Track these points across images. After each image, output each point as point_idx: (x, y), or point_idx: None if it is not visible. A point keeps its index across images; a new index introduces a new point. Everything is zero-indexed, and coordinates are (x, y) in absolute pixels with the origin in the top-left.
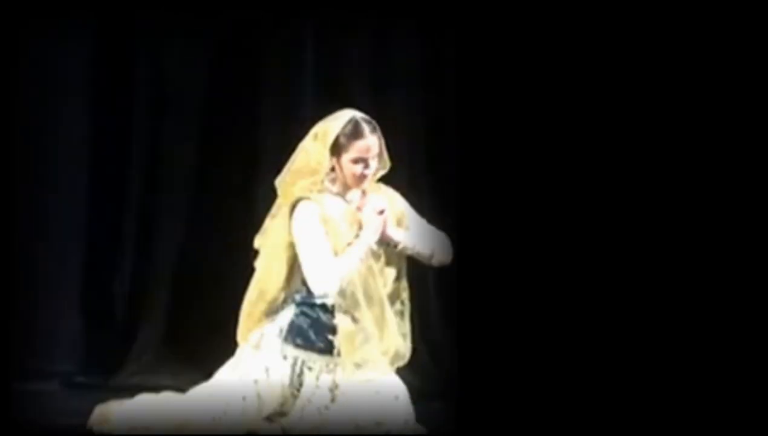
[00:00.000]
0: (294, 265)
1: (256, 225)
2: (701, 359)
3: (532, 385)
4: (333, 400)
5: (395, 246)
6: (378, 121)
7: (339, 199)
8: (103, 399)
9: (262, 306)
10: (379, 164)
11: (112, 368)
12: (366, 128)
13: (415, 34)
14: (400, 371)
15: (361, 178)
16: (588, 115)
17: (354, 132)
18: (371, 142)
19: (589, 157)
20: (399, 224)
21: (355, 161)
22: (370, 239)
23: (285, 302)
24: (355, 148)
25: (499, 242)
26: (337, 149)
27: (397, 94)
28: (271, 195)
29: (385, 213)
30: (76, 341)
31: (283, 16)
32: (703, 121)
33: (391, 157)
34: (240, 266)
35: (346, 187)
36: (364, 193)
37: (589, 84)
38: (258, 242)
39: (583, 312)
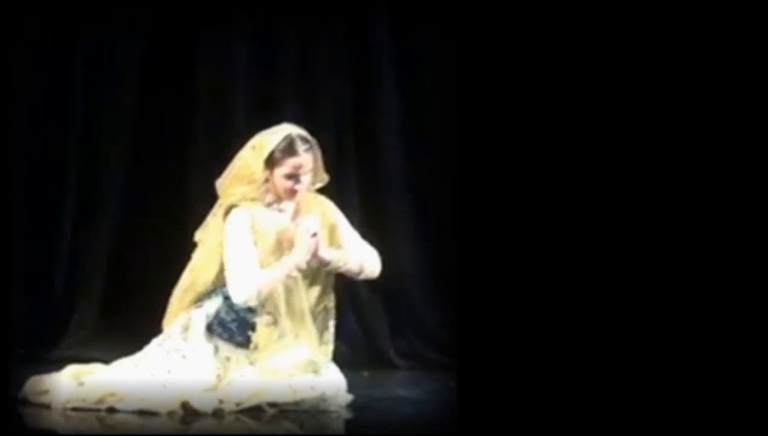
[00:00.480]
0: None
1: (189, 218)
2: (701, 359)
3: (533, 383)
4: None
5: (325, 265)
6: (311, 129)
7: (273, 210)
8: (41, 372)
9: (191, 296)
10: (314, 179)
11: (50, 341)
12: (300, 147)
13: (345, 42)
14: (339, 345)
15: (293, 192)
16: (586, 114)
17: (288, 149)
18: (304, 159)
19: (588, 156)
20: (331, 234)
21: (288, 177)
22: (299, 259)
23: (214, 291)
24: (288, 164)
25: (499, 241)
26: (271, 163)
27: (328, 103)
28: (204, 193)
29: (318, 236)
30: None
31: (217, 20)
32: (703, 121)
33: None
34: (175, 252)
35: (280, 198)
36: (298, 203)
37: (586, 83)
38: (198, 235)
39: (584, 311)
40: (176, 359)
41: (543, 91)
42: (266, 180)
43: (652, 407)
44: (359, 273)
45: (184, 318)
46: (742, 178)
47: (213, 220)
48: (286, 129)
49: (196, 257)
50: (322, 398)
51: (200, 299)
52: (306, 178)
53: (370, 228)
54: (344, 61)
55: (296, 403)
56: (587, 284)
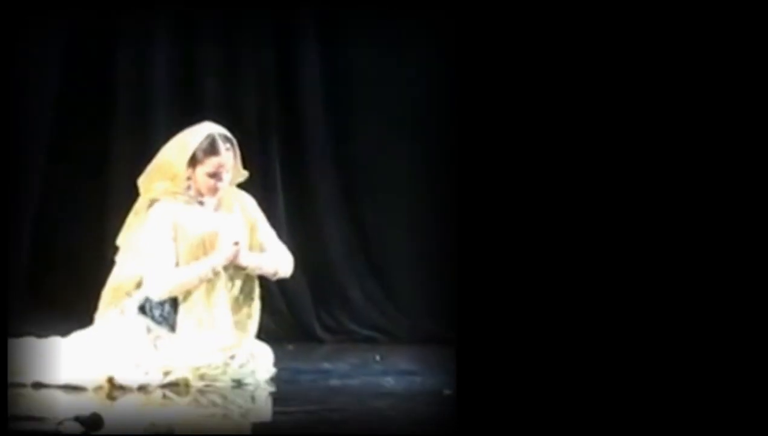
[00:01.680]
0: None
1: (107, 217)
2: (701, 359)
3: (533, 382)
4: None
5: (242, 270)
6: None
7: (195, 206)
8: None
9: (121, 294)
10: (234, 175)
11: None
12: (221, 146)
13: (270, 36)
14: (264, 319)
15: (214, 189)
16: (584, 114)
17: (209, 149)
18: (225, 159)
19: (586, 155)
20: (251, 232)
21: (210, 175)
22: (216, 262)
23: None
24: (210, 164)
25: (498, 241)
26: (193, 162)
27: (250, 95)
28: (124, 193)
29: (239, 245)
30: None
31: (138, 15)
32: (703, 121)
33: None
34: (95, 236)
35: (201, 194)
36: (219, 198)
37: (582, 83)
38: (120, 239)
39: (585, 311)
40: (116, 337)
41: (541, 92)
42: (188, 177)
43: (651, 402)
44: (274, 275)
45: (120, 306)
46: (742, 178)
47: (135, 219)
48: (208, 128)
49: (122, 257)
50: (248, 372)
51: (131, 293)
52: (227, 176)
53: (293, 203)
54: (267, 45)
55: (222, 376)
56: (585, 276)
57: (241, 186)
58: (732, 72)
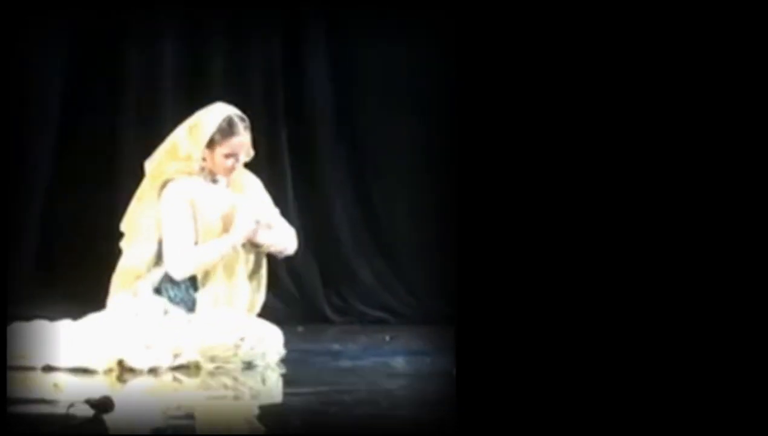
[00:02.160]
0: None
1: (118, 199)
2: (701, 359)
3: (534, 364)
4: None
5: (257, 248)
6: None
7: (209, 183)
8: None
9: (132, 278)
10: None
11: None
12: (240, 126)
13: (278, 20)
14: (273, 300)
15: (231, 170)
16: (583, 114)
17: (229, 130)
18: (244, 139)
19: (586, 155)
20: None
21: (227, 156)
22: (237, 240)
23: (156, 263)
24: (229, 145)
25: (499, 239)
26: (211, 144)
27: (257, 77)
28: (134, 177)
29: (259, 223)
30: None
31: (147, 6)
32: (703, 121)
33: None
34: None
35: (214, 175)
36: (231, 180)
37: (578, 84)
38: (124, 225)
39: (587, 311)
40: (130, 318)
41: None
42: (204, 158)
43: (652, 397)
44: (282, 251)
45: (132, 288)
46: (742, 178)
47: (138, 205)
48: (223, 109)
49: (126, 245)
50: (258, 353)
51: (142, 276)
52: (242, 157)
53: (302, 185)
54: (275, 30)
55: (233, 358)
56: (590, 282)
57: (249, 168)
58: (732, 72)
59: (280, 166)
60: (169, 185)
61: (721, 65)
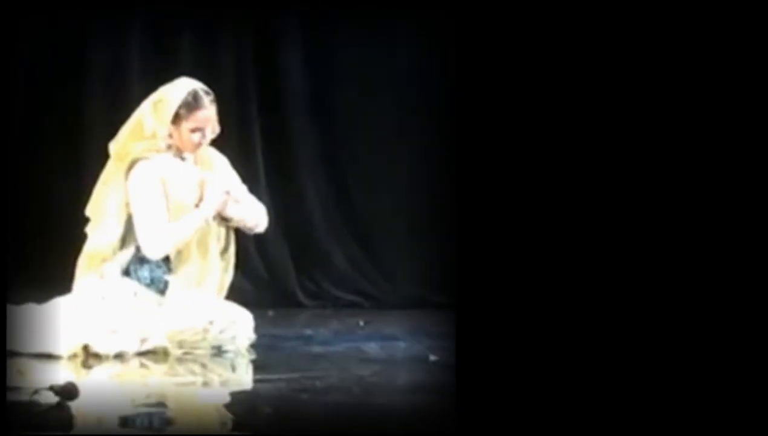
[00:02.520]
0: (131, 224)
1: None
2: (701, 359)
3: (533, 381)
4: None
5: (228, 221)
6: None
7: (177, 160)
8: None
9: (97, 262)
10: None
11: None
12: (205, 99)
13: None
14: (243, 283)
15: (198, 145)
16: (582, 114)
17: (194, 103)
18: (210, 112)
19: (586, 155)
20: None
21: (194, 130)
22: (208, 213)
23: (125, 244)
24: (194, 119)
25: (499, 239)
26: (176, 119)
27: (228, 56)
28: (99, 159)
29: (229, 193)
30: None
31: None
32: (703, 121)
33: None
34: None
35: (180, 151)
36: (195, 155)
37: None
38: (89, 210)
39: (587, 311)
40: (96, 301)
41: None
42: (170, 135)
43: (651, 392)
44: (254, 227)
45: (99, 271)
46: (742, 178)
47: (104, 188)
48: (188, 83)
49: (92, 229)
50: (228, 339)
51: (109, 258)
52: (209, 131)
53: (273, 165)
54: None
55: (201, 343)
56: (591, 282)
57: (220, 148)
58: (732, 72)
59: (251, 147)
60: (137, 165)
61: (721, 65)
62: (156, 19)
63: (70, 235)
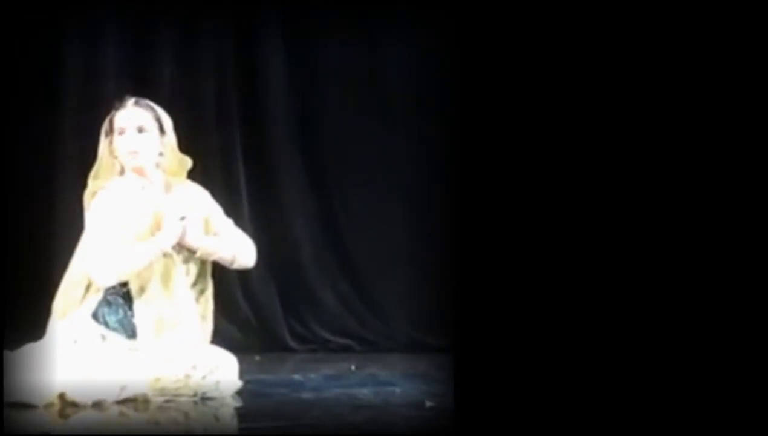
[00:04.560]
0: None
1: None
2: (700, 359)
3: (531, 384)
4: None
5: (193, 252)
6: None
7: (138, 190)
8: None
9: (72, 302)
10: (169, 156)
11: None
12: (129, 101)
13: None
14: (228, 327)
15: (133, 155)
16: (581, 114)
17: (116, 106)
18: (131, 112)
19: (582, 158)
20: (205, 223)
21: (120, 133)
22: (164, 243)
23: (94, 288)
24: (117, 120)
25: (497, 242)
26: (109, 128)
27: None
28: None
29: (186, 220)
30: None
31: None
32: (702, 121)
33: None
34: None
35: (142, 177)
36: (167, 185)
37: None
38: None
39: (588, 357)
40: (63, 347)
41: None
42: (114, 156)
43: (650, 405)
44: (232, 262)
45: (69, 316)
46: (742, 178)
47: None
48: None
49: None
50: (212, 385)
51: (80, 301)
52: (143, 138)
53: (258, 200)
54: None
55: (184, 390)
56: (590, 283)
57: (201, 182)
58: (732, 72)
59: (234, 179)
60: (96, 195)
61: (721, 65)
62: (134, 48)
63: (43, 278)
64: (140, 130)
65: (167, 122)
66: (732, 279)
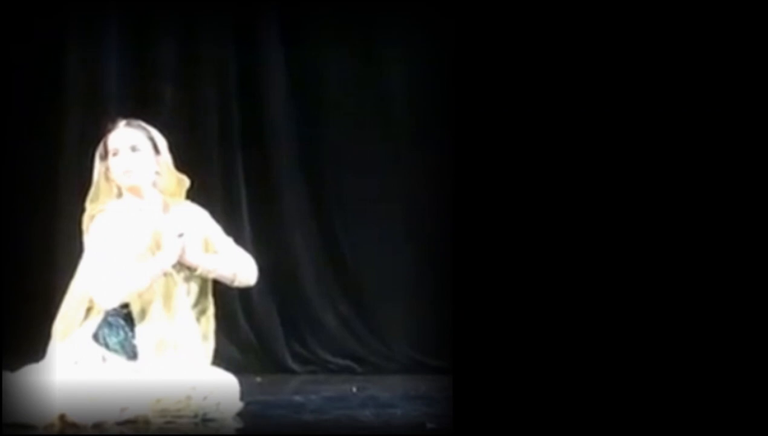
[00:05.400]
0: None
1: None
2: (700, 358)
3: (530, 385)
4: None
5: (193, 270)
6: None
7: (136, 212)
8: None
9: (72, 323)
10: (165, 175)
11: None
12: (120, 122)
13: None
14: (228, 348)
15: (127, 174)
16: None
17: (109, 129)
18: (123, 132)
19: (586, 155)
20: (205, 243)
21: (114, 154)
22: (164, 262)
23: (95, 310)
24: (110, 141)
25: (497, 263)
26: (103, 151)
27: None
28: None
29: (184, 238)
30: None
31: (90, 11)
32: (702, 121)
33: None
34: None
35: (136, 193)
36: (165, 205)
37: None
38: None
39: (589, 376)
40: (63, 368)
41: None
42: (108, 178)
43: (651, 411)
44: (233, 280)
45: (70, 338)
46: (742, 178)
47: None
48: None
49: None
50: (213, 406)
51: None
52: (136, 157)
53: (259, 219)
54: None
55: (184, 411)
56: (590, 284)
57: (201, 203)
58: (732, 72)
59: (235, 197)
60: (95, 218)
61: (721, 65)
62: (134, 62)
63: (44, 301)
64: (133, 148)
65: (161, 142)
66: (731, 279)
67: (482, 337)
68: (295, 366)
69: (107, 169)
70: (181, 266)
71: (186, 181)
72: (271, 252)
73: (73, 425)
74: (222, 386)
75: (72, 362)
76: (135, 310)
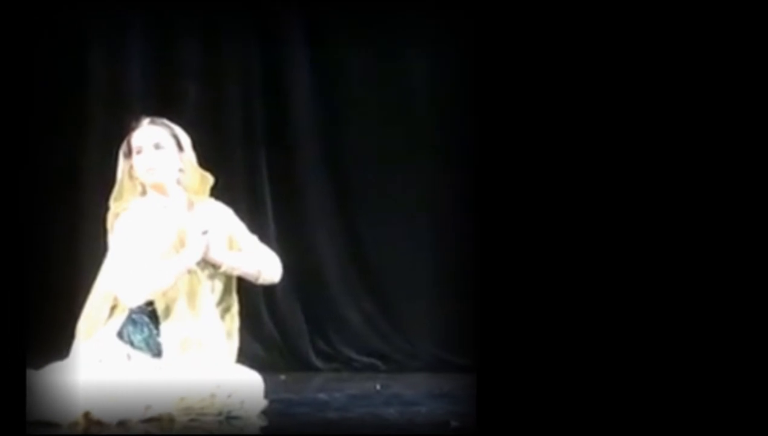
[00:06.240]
0: None
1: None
2: (707, 359)
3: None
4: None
5: (217, 267)
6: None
7: (160, 209)
8: None
9: (97, 323)
10: (190, 173)
11: None
12: (144, 121)
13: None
14: (252, 345)
15: (151, 172)
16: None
17: (133, 127)
18: (147, 130)
19: (604, 170)
20: (229, 241)
21: (138, 152)
22: (188, 260)
23: (119, 309)
24: (134, 139)
25: (522, 261)
26: (127, 150)
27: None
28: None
29: (208, 235)
30: None
31: (114, 13)
32: (711, 121)
33: None
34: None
35: (159, 191)
36: (189, 203)
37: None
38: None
39: (613, 374)
40: (88, 366)
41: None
42: (132, 176)
43: (677, 411)
44: (257, 278)
45: (96, 335)
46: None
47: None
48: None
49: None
50: (237, 404)
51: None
52: (160, 155)
53: (283, 217)
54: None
55: (209, 409)
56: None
57: (226, 201)
58: (753, 75)
59: (259, 195)
60: (119, 217)
61: (738, 69)
62: (159, 61)
63: (68, 298)
64: (157, 146)
65: (185, 139)
66: (755, 285)
67: (506, 335)
68: (319, 364)
69: (131, 167)
70: (205, 263)
71: (210, 179)
72: (296, 250)
73: (98, 423)
74: (246, 383)
75: (96, 360)
76: (159, 308)
